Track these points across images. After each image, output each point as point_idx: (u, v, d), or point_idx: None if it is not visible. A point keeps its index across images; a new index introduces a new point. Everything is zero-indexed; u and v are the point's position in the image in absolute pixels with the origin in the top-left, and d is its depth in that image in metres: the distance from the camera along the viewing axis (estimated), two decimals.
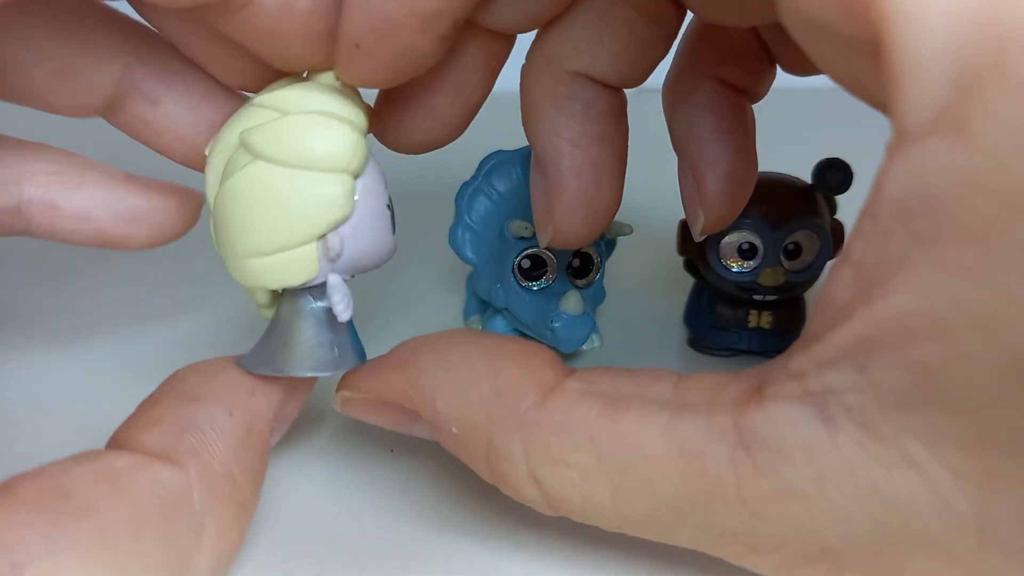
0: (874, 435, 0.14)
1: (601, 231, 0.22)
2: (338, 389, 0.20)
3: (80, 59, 0.20)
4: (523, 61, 0.21)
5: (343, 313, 0.19)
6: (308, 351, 0.20)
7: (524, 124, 0.22)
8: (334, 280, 0.19)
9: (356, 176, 0.19)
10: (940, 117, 0.12)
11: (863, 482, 0.14)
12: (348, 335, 0.20)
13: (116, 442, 0.18)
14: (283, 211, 0.18)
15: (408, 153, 0.22)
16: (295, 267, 0.19)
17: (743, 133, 0.22)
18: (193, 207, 0.22)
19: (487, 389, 0.17)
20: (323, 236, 0.18)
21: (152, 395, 0.19)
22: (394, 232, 0.20)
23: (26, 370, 0.26)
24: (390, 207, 0.20)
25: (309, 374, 0.19)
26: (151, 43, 0.21)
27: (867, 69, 0.13)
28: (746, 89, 0.22)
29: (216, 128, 0.20)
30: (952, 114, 0.12)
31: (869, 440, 0.14)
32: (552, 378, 0.17)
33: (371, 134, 0.20)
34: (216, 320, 0.28)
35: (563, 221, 0.21)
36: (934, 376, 0.13)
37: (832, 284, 0.14)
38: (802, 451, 0.14)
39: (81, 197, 0.21)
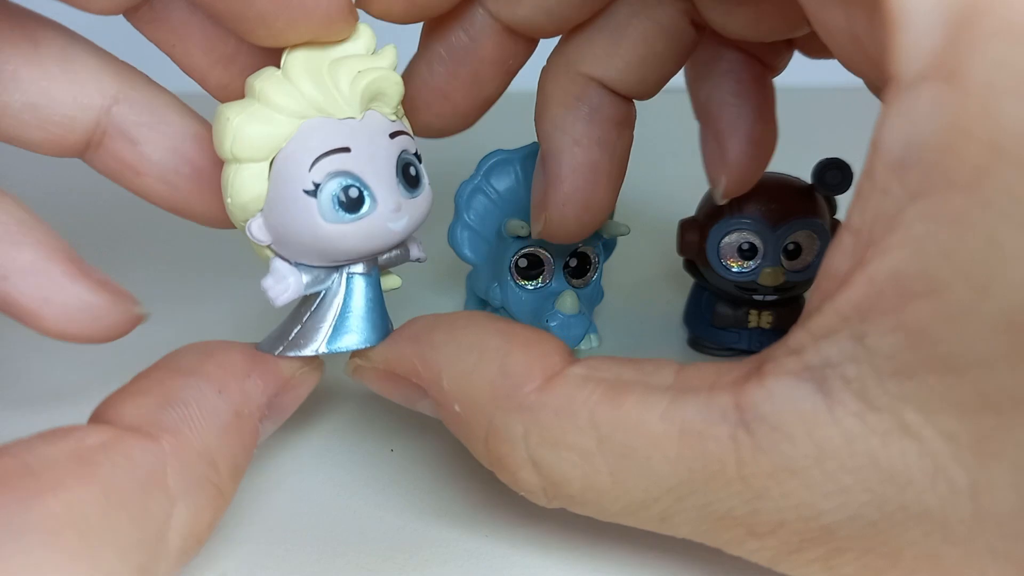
0: (871, 405, 0.14)
1: (591, 230, 0.23)
2: (351, 356, 0.20)
3: (60, 93, 0.20)
4: (530, 65, 0.22)
5: (274, 299, 0.19)
6: (288, 334, 0.20)
7: (536, 119, 0.22)
8: (273, 264, 0.20)
9: (252, 162, 0.19)
10: (932, 63, 0.12)
11: (861, 454, 0.14)
12: (355, 316, 0.20)
13: (98, 413, 0.17)
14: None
15: (422, 136, 0.22)
16: (256, 252, 0.20)
17: (764, 97, 0.22)
18: (125, 316, 0.20)
19: (493, 370, 0.17)
20: (246, 221, 0.19)
21: (146, 369, 0.19)
22: (352, 213, 0.19)
23: (27, 370, 0.26)
24: (327, 192, 0.18)
25: (277, 353, 0.20)
26: (136, 83, 0.21)
27: (866, 25, 0.13)
28: (765, 61, 0.23)
29: (199, 170, 0.21)
30: (943, 59, 0.12)
31: (867, 411, 0.14)
32: (558, 364, 0.17)
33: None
34: (224, 319, 0.28)
35: (555, 214, 0.22)
36: (929, 336, 0.13)
37: (831, 254, 0.14)
38: (801, 426, 0.14)
39: (5, 255, 0.19)
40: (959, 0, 0.12)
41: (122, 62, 0.21)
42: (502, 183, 0.26)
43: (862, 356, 0.14)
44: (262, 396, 0.19)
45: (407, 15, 0.20)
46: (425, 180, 0.20)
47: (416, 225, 0.20)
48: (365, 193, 0.19)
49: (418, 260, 0.22)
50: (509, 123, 0.24)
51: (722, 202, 0.23)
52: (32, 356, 0.27)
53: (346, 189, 0.19)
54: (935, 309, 0.12)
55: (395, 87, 0.19)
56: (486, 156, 0.26)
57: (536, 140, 0.26)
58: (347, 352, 0.20)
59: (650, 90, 0.22)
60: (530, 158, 0.26)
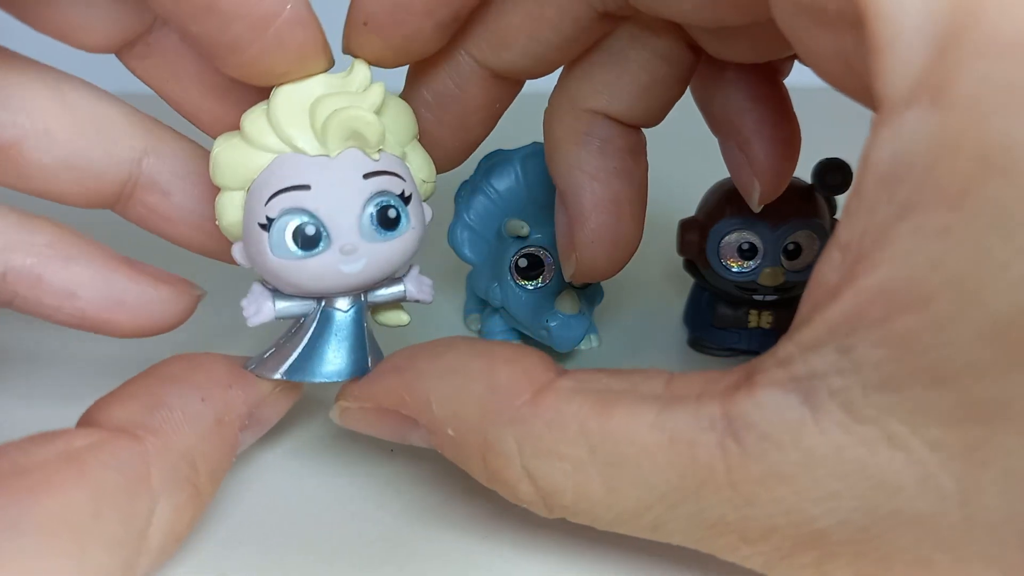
0: (857, 416, 0.14)
1: (623, 265, 0.23)
2: (336, 400, 0.20)
3: (94, 151, 0.20)
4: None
5: (247, 320, 0.20)
6: (264, 353, 0.21)
7: (547, 160, 0.23)
8: (252, 286, 0.20)
9: (230, 190, 0.20)
10: (919, 83, 0.12)
11: (848, 463, 0.14)
12: (323, 349, 0.20)
13: (88, 414, 0.18)
14: None
15: None
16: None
17: (779, 97, 0.22)
18: (188, 300, 0.22)
19: (481, 388, 0.18)
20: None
21: (135, 376, 0.19)
22: (306, 250, 0.19)
23: (25, 370, 0.26)
24: (285, 229, 0.19)
25: (250, 370, 0.20)
26: (164, 136, 0.21)
27: (854, 47, 0.13)
28: (770, 64, 0.22)
29: None
30: (930, 79, 0.12)
31: (853, 421, 0.14)
32: (544, 377, 0.17)
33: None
34: (223, 331, 0.28)
35: (585, 252, 0.22)
36: (916, 347, 0.13)
37: (819, 269, 0.14)
38: (789, 435, 0.14)
39: (69, 273, 0.20)
40: (943, 21, 0.12)
41: (149, 117, 0.22)
42: (502, 183, 0.26)
43: (848, 368, 0.14)
44: (243, 407, 0.20)
45: (396, 61, 0.20)
46: (407, 223, 0.20)
47: (380, 270, 0.20)
48: (323, 232, 0.19)
49: (418, 301, 0.22)
50: (509, 123, 0.24)
51: (757, 210, 0.23)
52: (30, 365, 0.27)
53: (301, 226, 0.19)
54: (923, 320, 0.13)
55: (368, 128, 0.19)
56: (486, 156, 0.26)
57: (536, 140, 0.26)
58: (310, 382, 0.21)
59: (656, 117, 0.22)
60: (530, 158, 0.26)
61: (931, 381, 0.13)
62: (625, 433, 0.16)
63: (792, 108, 0.23)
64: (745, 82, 0.22)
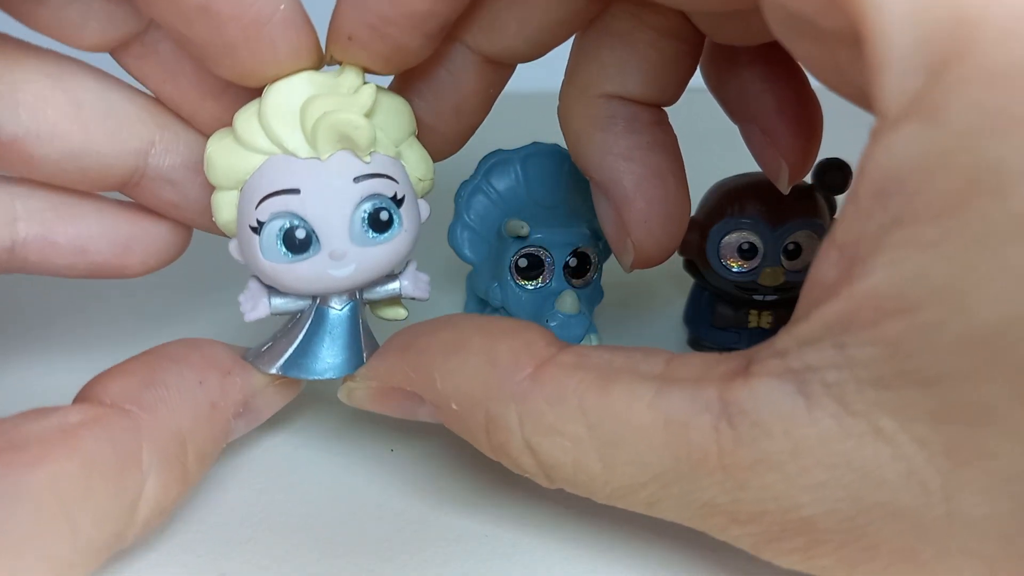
0: (849, 409, 0.14)
1: (680, 240, 0.22)
2: (344, 382, 0.21)
3: (99, 145, 0.20)
4: (530, 65, 0.22)
5: (244, 315, 0.20)
6: (263, 346, 0.21)
7: (574, 156, 0.22)
8: (249, 283, 0.21)
9: (223, 189, 0.20)
10: (913, 103, 0.13)
11: (836, 454, 0.14)
12: (317, 347, 0.20)
13: (86, 389, 0.19)
14: None
15: None
16: None
17: (795, 75, 0.22)
18: (186, 230, 0.23)
19: (482, 363, 0.18)
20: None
21: (137, 354, 0.20)
22: (297, 254, 0.19)
23: (27, 371, 0.26)
24: (275, 235, 0.19)
25: (252, 364, 0.21)
26: (171, 126, 0.21)
27: (849, 59, 0.14)
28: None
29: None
30: (924, 100, 0.13)
31: (844, 414, 0.14)
32: (546, 351, 0.18)
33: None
34: (223, 325, 0.28)
35: (640, 234, 0.22)
36: (904, 351, 0.13)
37: (818, 265, 0.15)
38: (780, 424, 0.15)
39: (76, 231, 0.21)
40: (939, 45, 0.12)
41: (158, 104, 0.21)
42: (502, 183, 0.26)
43: (842, 364, 0.14)
44: (239, 394, 0.20)
45: (385, 71, 0.20)
46: (399, 226, 0.20)
47: (371, 273, 0.20)
48: (313, 236, 0.19)
49: (413, 298, 0.22)
50: (509, 123, 0.24)
51: (787, 191, 0.23)
52: (32, 359, 0.27)
53: (291, 230, 0.19)
54: (911, 325, 0.13)
55: (357, 132, 0.18)
56: (486, 156, 0.26)
57: (536, 141, 0.26)
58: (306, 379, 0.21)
59: (672, 94, 0.22)
60: (530, 158, 0.26)
61: (918, 382, 0.13)
62: (623, 412, 0.16)
63: (810, 85, 0.22)
64: (759, 64, 0.22)
